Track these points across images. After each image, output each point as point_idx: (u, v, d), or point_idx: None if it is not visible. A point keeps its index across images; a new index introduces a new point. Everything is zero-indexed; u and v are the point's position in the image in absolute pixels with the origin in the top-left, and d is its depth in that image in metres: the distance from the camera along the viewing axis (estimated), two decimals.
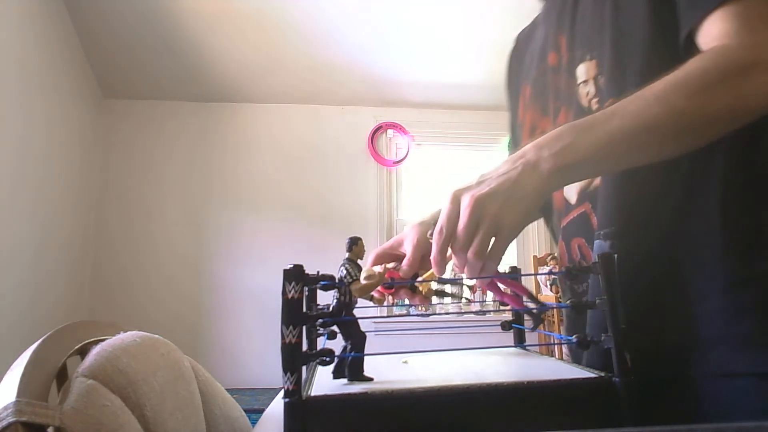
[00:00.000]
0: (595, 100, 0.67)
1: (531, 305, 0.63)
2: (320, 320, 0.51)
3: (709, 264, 0.56)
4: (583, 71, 0.68)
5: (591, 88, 0.67)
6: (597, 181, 0.65)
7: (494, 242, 0.51)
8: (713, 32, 0.54)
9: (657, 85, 0.52)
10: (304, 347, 0.45)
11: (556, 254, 2.85)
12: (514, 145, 0.92)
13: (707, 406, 0.54)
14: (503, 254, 0.52)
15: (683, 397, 0.56)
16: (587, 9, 0.69)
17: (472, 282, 0.67)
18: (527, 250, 3.09)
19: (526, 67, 0.85)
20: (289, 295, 0.44)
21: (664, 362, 0.57)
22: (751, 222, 0.56)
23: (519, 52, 0.91)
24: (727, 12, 0.53)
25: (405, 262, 0.65)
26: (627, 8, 0.63)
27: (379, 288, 0.62)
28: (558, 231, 0.76)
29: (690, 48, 0.56)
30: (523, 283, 0.66)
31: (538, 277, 2.87)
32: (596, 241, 0.66)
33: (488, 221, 0.50)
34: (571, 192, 0.71)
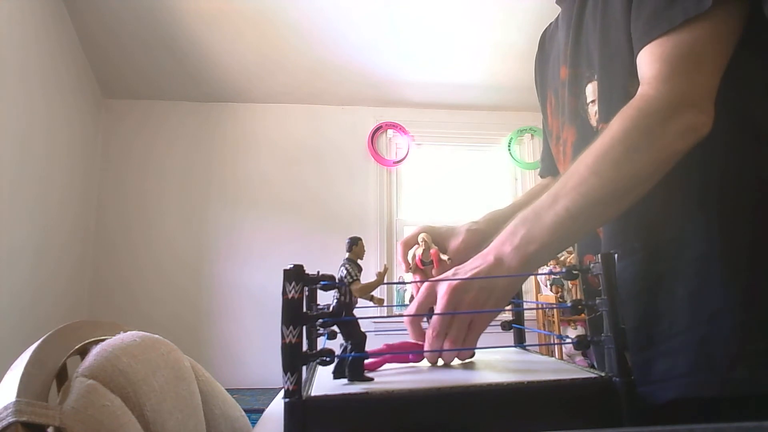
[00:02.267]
0: (602, 124, 0.66)
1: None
2: (320, 320, 0.51)
3: (721, 281, 0.55)
4: (590, 91, 0.69)
5: (597, 108, 0.67)
6: None
7: (469, 331, 0.54)
8: (642, 73, 0.57)
9: (587, 157, 0.55)
10: (305, 347, 0.45)
11: (560, 258, 2.86)
12: (546, 148, 0.93)
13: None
14: (476, 341, 0.55)
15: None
16: (590, 27, 0.69)
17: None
18: None
19: (550, 72, 0.85)
20: (289, 295, 0.44)
21: (679, 384, 0.56)
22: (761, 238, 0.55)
23: (543, 54, 0.90)
24: (652, 53, 0.56)
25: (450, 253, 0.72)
26: (611, 32, 0.64)
27: (417, 258, 0.71)
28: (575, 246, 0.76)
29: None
30: (523, 281, 0.66)
31: (538, 277, 2.87)
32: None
33: (466, 307, 0.54)
34: None
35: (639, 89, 0.57)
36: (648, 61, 0.56)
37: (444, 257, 0.71)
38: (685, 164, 0.55)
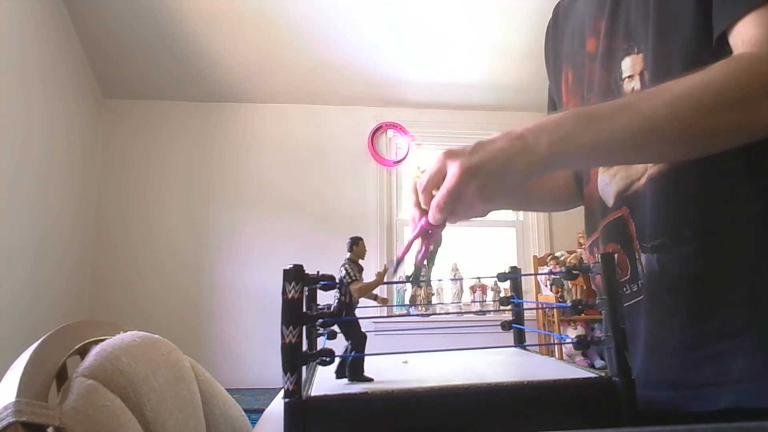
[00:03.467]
0: None
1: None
2: (320, 320, 0.51)
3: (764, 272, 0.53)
4: (628, 65, 0.64)
5: (637, 84, 0.63)
6: (638, 184, 0.62)
7: (471, 210, 0.53)
8: (744, 37, 0.52)
9: (674, 86, 0.50)
10: (305, 347, 0.45)
11: (556, 254, 2.86)
12: None
13: None
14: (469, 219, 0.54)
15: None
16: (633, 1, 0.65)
17: (473, 282, 0.67)
18: (527, 250, 3.09)
19: (566, 46, 0.80)
20: (289, 295, 0.44)
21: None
22: None
23: (558, 26, 0.85)
24: (760, 17, 0.51)
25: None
26: (670, 2, 0.59)
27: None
28: (596, 232, 0.72)
29: (723, 48, 0.54)
30: (522, 282, 0.66)
31: (538, 277, 2.87)
32: (644, 255, 0.61)
33: (471, 193, 0.51)
34: (608, 194, 0.68)
35: (741, 50, 0.52)
36: (754, 26, 0.51)
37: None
38: (755, 149, 0.51)
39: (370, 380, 0.49)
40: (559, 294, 2.74)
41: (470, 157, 0.51)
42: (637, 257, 0.63)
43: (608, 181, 0.67)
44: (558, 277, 2.74)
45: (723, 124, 0.50)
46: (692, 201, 0.57)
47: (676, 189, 0.58)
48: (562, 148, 0.50)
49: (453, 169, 0.51)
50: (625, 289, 0.64)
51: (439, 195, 0.52)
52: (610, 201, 0.67)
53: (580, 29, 0.75)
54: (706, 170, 0.55)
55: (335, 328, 0.54)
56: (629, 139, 0.51)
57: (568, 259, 2.78)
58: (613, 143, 0.51)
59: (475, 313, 2.90)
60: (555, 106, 0.86)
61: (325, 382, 0.50)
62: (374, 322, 2.53)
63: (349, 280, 0.50)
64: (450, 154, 0.52)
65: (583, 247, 2.84)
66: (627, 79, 0.64)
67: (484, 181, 0.50)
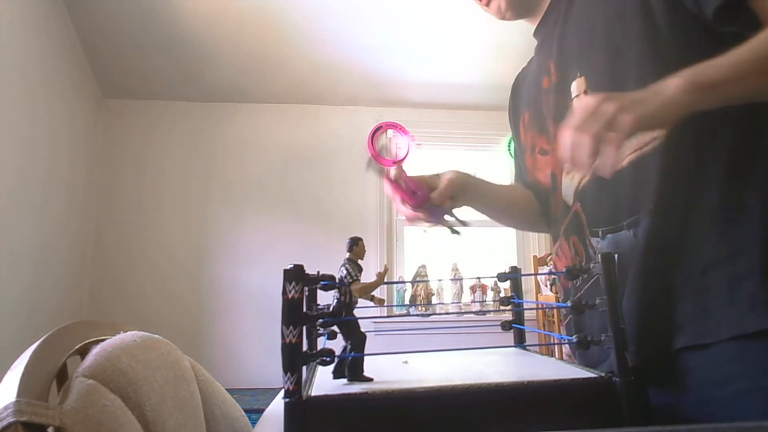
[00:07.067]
0: None
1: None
2: (320, 320, 0.51)
3: (711, 233, 0.58)
4: (575, 87, 0.73)
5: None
6: (584, 180, 0.71)
7: (622, 124, 0.50)
8: None
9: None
10: (305, 347, 0.45)
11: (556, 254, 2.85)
12: (518, 170, 0.99)
13: (719, 371, 0.55)
14: (624, 140, 0.50)
15: (696, 365, 0.57)
16: (574, 32, 0.75)
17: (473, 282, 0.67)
18: (527, 250, 3.09)
19: (524, 97, 0.92)
20: (290, 295, 0.44)
21: (676, 332, 0.58)
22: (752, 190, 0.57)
23: (517, 88, 0.98)
24: None
25: (438, 191, 0.76)
26: (617, 20, 0.67)
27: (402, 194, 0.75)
28: (560, 233, 0.79)
29: (723, 16, 0.57)
30: (522, 282, 0.66)
31: (538, 277, 2.87)
32: (594, 239, 0.67)
33: (614, 107, 0.51)
34: (569, 193, 0.75)
35: None
36: None
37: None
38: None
39: (369, 380, 0.49)
40: (559, 294, 2.74)
41: (622, 98, 0.53)
42: (587, 243, 0.71)
43: (568, 183, 0.76)
44: (558, 277, 2.73)
45: None
46: (636, 177, 0.64)
47: (613, 181, 0.63)
48: (700, 80, 0.53)
49: (598, 96, 0.53)
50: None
51: (578, 108, 0.52)
52: (570, 199, 0.75)
53: (534, 78, 0.86)
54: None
55: (335, 328, 0.54)
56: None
57: None
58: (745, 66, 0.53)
59: (475, 313, 2.90)
60: (521, 175, 0.96)
61: (325, 382, 0.50)
62: (374, 322, 2.54)
63: (350, 280, 0.50)
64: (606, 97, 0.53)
65: (549, 261, 2.85)
66: (575, 99, 0.73)
67: (631, 100, 0.52)
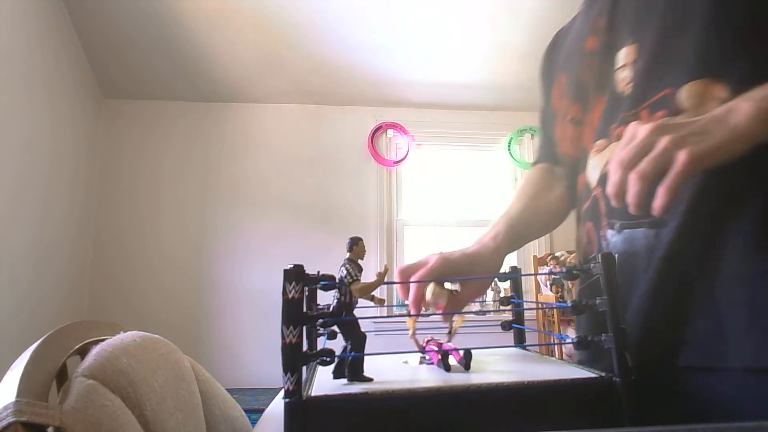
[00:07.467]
0: (629, 85, 0.63)
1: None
2: (320, 320, 0.51)
3: (736, 253, 0.51)
4: (622, 56, 0.64)
5: (627, 73, 0.63)
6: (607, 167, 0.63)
7: (678, 163, 0.44)
8: None
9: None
10: (305, 347, 0.45)
11: (556, 254, 2.86)
12: (545, 143, 0.89)
13: (724, 399, 0.50)
14: (677, 188, 0.44)
15: (700, 386, 0.52)
16: None
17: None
18: (527, 250, 3.09)
19: (563, 57, 0.82)
20: (290, 295, 0.44)
21: (682, 349, 0.53)
22: None
23: (555, 48, 0.87)
24: None
25: (415, 277, 0.63)
26: None
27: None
28: (580, 216, 0.73)
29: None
30: (522, 282, 0.66)
31: (538, 277, 2.87)
32: (609, 231, 0.63)
33: (667, 141, 0.44)
34: (593, 176, 0.68)
35: None
36: None
37: (451, 288, 0.65)
38: None
39: (369, 380, 0.49)
40: (559, 294, 2.74)
41: (678, 129, 0.46)
42: (602, 233, 0.65)
43: (595, 164, 0.68)
44: (558, 277, 2.74)
45: None
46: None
47: None
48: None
49: (646, 126, 0.47)
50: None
51: (629, 150, 0.46)
52: (593, 183, 0.68)
53: (578, 36, 0.77)
54: None
55: (335, 328, 0.54)
56: None
57: (568, 259, 2.78)
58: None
59: (475, 313, 2.89)
60: (548, 149, 0.87)
61: (325, 382, 0.50)
62: (374, 322, 2.54)
63: (351, 280, 0.50)
64: (660, 129, 0.47)
65: (549, 261, 2.85)
66: (619, 69, 0.65)
67: (682, 134, 0.45)
